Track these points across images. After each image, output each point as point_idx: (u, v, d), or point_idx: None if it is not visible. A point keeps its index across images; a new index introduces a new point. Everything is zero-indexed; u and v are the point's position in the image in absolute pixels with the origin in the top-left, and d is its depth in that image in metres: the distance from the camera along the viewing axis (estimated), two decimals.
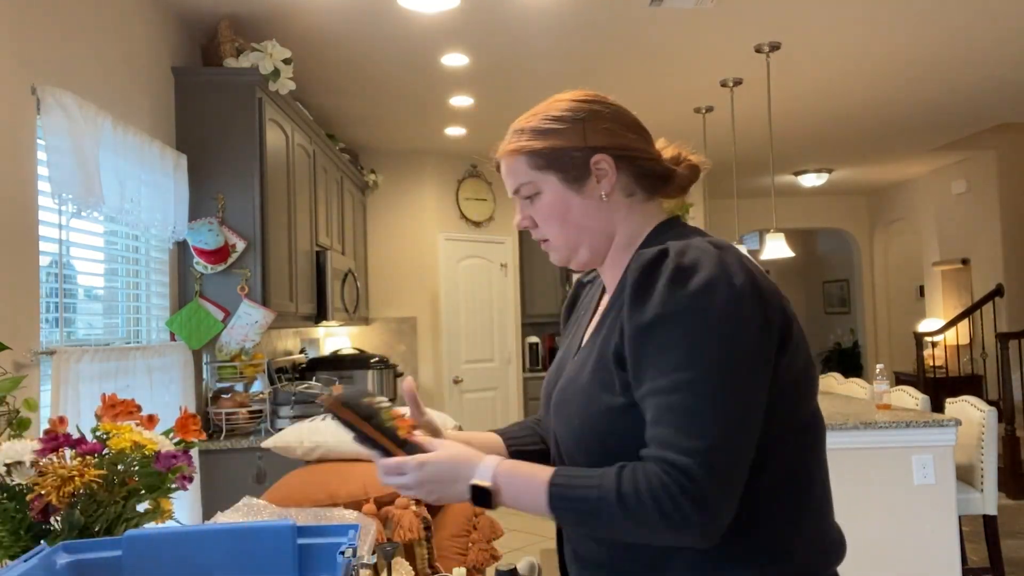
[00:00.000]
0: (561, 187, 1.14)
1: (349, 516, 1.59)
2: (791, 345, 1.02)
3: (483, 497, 1.03)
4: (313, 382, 3.78)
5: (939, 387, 6.77)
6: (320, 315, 4.37)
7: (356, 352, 5.21)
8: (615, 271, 1.17)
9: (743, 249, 5.10)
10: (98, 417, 1.37)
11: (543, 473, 1.02)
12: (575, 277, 1.38)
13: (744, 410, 0.96)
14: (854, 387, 4.64)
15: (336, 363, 4.78)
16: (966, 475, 3.45)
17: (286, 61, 3.41)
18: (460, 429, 2.22)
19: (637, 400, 1.00)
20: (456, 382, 6.45)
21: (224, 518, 1.56)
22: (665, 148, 1.20)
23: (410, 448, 1.08)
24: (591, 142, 1.12)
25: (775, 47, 4.07)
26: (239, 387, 3.46)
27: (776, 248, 4.67)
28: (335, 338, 6.03)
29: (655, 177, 1.17)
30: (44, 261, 2.33)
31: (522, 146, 1.15)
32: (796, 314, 1.06)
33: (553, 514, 1.00)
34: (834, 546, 1.09)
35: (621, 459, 1.00)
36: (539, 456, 1.25)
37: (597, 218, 1.14)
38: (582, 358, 1.13)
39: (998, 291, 6.66)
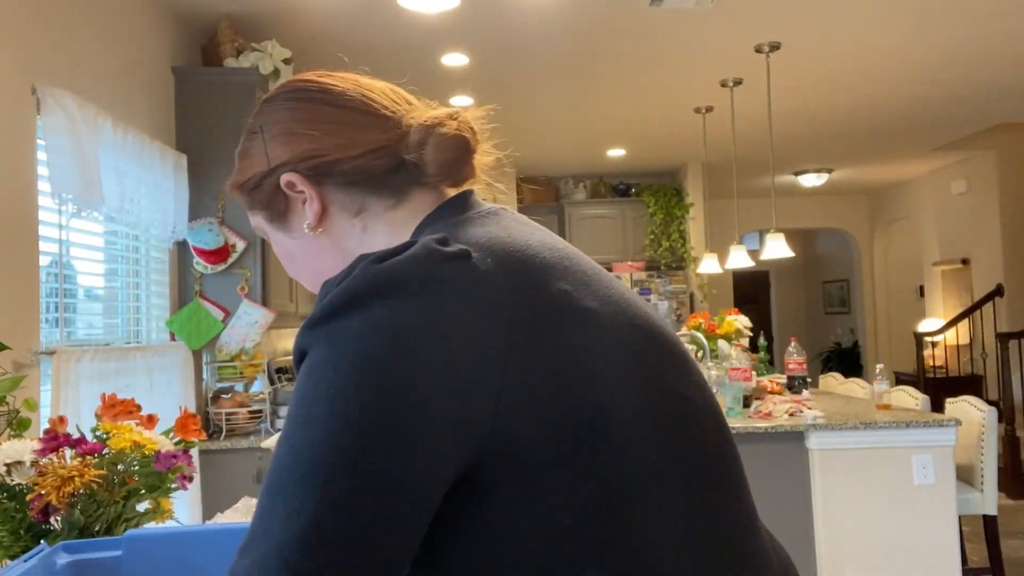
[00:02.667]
0: (271, 229, 0.82)
1: None
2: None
3: None
4: None
5: (939, 387, 6.77)
6: None
7: None
8: None
9: (740, 249, 5.08)
10: (98, 417, 1.37)
11: None
12: None
13: (343, 517, 0.54)
14: (854, 387, 4.64)
15: None
16: (966, 475, 3.45)
17: (286, 61, 3.41)
18: None
19: None
20: None
21: (224, 518, 1.56)
22: (412, 121, 0.79)
23: None
24: (274, 159, 0.78)
25: (775, 47, 4.07)
26: (239, 387, 3.46)
27: (776, 248, 4.67)
28: None
29: (387, 174, 0.77)
30: (44, 261, 2.33)
31: (229, 183, 0.84)
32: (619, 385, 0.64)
33: None
34: None
35: None
36: None
37: (322, 257, 0.80)
38: None
39: (998, 291, 6.66)
